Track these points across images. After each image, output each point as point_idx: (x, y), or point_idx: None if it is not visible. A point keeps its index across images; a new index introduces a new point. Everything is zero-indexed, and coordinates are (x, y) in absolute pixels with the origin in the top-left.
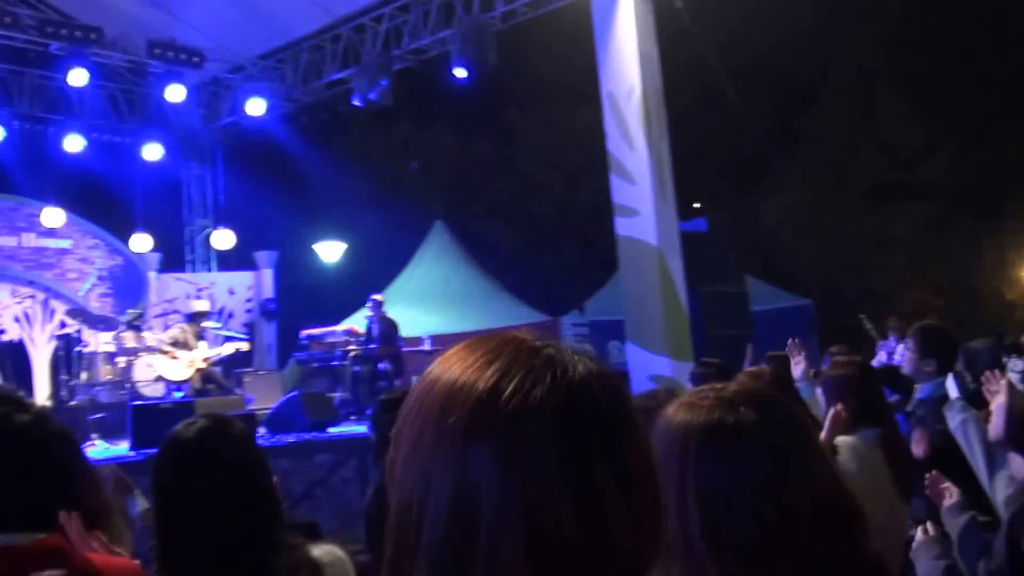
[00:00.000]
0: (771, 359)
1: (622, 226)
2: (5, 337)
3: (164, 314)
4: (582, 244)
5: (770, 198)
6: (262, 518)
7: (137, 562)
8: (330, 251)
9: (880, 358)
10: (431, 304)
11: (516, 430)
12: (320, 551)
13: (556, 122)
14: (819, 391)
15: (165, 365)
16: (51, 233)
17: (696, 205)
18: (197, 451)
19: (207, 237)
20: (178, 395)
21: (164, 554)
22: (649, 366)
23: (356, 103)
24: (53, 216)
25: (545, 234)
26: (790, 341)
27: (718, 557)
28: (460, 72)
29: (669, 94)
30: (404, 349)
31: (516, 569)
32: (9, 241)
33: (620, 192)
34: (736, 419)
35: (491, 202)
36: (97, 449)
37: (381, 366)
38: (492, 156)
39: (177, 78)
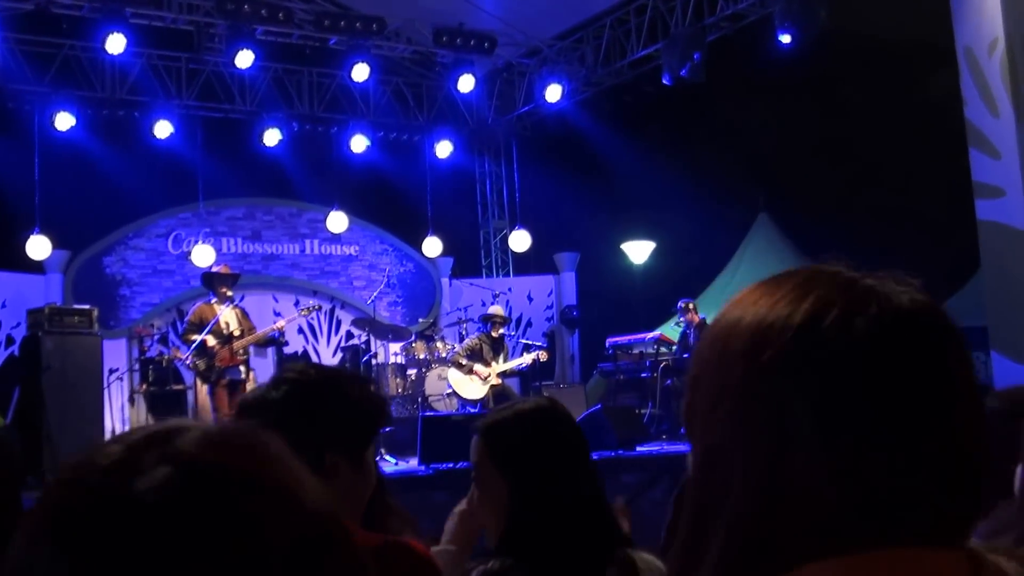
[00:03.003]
0: None
1: (984, 210)
2: (288, 350)
3: (458, 323)
4: (935, 235)
5: None
6: (593, 499)
7: None
8: (638, 251)
9: None
10: None
11: (838, 366)
12: (638, 556)
13: (900, 91)
14: None
15: (459, 381)
16: (336, 239)
17: None
18: (536, 422)
19: (503, 239)
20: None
21: (510, 536)
22: (1019, 380)
23: (665, 82)
24: (337, 221)
25: (889, 225)
26: None
27: None
28: (785, 38)
29: None
30: None
31: (826, 536)
32: (291, 249)
33: (981, 169)
34: None
35: (823, 190)
36: (386, 464)
37: None
38: (824, 136)
39: (467, 67)
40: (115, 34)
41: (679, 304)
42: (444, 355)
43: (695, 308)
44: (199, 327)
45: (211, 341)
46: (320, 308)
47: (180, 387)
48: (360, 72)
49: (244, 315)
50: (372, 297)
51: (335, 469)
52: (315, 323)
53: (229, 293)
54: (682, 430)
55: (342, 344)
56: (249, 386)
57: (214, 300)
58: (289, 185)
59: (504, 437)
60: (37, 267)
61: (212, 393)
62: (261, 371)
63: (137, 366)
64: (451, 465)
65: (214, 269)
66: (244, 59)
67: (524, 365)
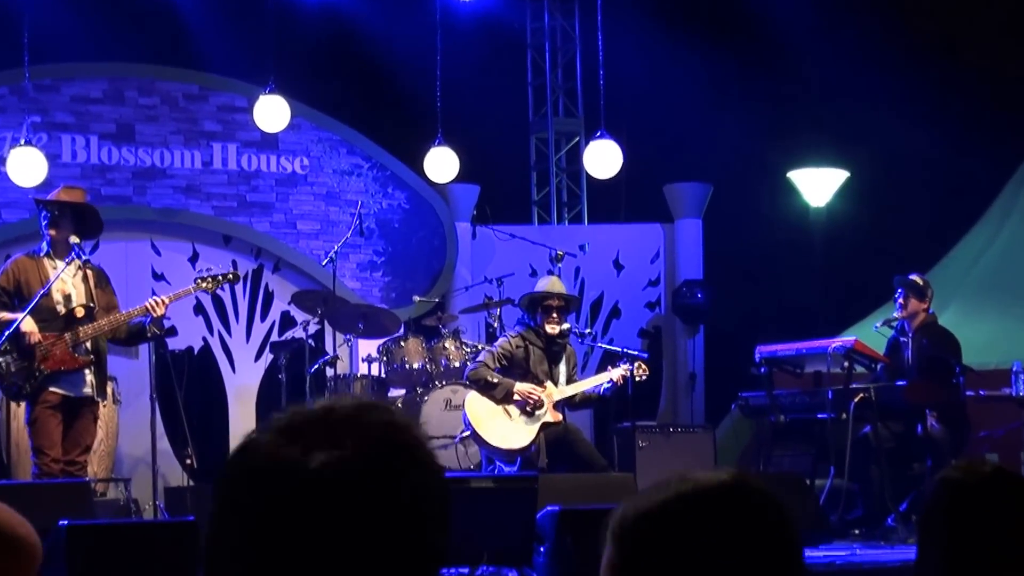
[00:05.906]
0: None
1: None
2: (176, 343)
3: (485, 305)
4: None
5: None
6: None
7: None
8: (818, 185)
9: None
10: None
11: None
12: None
13: None
14: None
15: (486, 414)
16: (269, 145)
17: None
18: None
19: (573, 155)
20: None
21: None
22: None
23: None
24: (272, 112)
25: None
26: None
27: None
28: None
29: None
30: (969, 392)
31: None
32: (187, 159)
33: None
34: None
35: None
36: None
37: (921, 425)
38: None
39: None
40: None
41: (897, 284)
42: (458, 364)
43: (930, 292)
44: (15, 298)
45: (30, 324)
46: (237, 278)
47: None
48: None
49: (100, 280)
50: (332, 253)
51: None
52: (224, 295)
53: (76, 240)
54: (888, 520)
55: (272, 336)
56: (106, 408)
57: (45, 251)
58: (186, 43)
59: (653, 548)
60: None
61: (31, 420)
62: (130, 381)
63: None
64: (467, 571)
65: (55, 195)
66: None
67: (606, 386)
